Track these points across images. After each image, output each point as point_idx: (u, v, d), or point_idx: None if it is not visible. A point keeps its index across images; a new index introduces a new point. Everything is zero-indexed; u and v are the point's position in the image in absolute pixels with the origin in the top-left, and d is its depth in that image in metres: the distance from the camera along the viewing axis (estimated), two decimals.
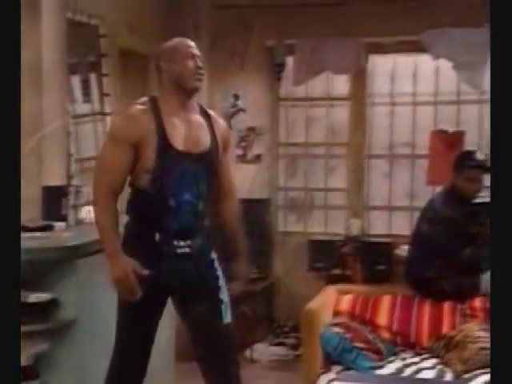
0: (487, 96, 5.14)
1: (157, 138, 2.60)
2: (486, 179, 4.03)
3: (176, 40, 2.76)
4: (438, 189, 4.30)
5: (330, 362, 3.47)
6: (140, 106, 2.66)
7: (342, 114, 5.44)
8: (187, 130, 2.68)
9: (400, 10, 4.99)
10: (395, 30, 4.99)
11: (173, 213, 2.65)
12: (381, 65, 5.36)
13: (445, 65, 5.04)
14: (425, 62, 5.13)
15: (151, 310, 2.73)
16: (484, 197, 4.44)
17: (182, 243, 2.67)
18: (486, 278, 3.82)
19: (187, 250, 2.68)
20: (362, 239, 5.20)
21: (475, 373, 3.30)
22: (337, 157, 5.46)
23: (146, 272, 2.59)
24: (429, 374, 3.33)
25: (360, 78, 5.31)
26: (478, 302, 3.74)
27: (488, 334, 3.42)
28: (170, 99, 2.68)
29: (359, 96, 5.37)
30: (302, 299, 3.82)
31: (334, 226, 5.39)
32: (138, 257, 2.62)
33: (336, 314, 3.79)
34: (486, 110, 5.18)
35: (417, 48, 4.99)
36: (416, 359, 3.53)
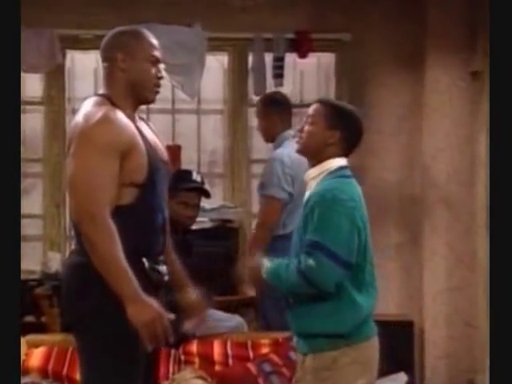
0: (204, 106, 5.33)
1: (144, 144, 2.54)
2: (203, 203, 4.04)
3: (140, 32, 2.63)
4: None
5: None
6: (108, 106, 2.53)
7: (35, 122, 5.23)
8: (151, 136, 2.65)
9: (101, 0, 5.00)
10: (95, 23, 4.88)
11: (160, 232, 2.59)
12: (82, 63, 5.24)
13: None
14: None
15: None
16: (202, 222, 4.48)
17: (164, 269, 2.60)
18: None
19: (167, 277, 2.61)
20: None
21: None
22: (31, 176, 5.23)
23: (171, 316, 2.46)
24: None
25: (57, 78, 5.16)
26: (193, 346, 3.83)
27: (203, 382, 3.59)
28: (124, 101, 2.58)
29: (56, 100, 5.20)
30: None
31: (30, 261, 5.09)
32: None
33: (26, 372, 3.63)
34: (204, 121, 5.38)
35: None
36: None
